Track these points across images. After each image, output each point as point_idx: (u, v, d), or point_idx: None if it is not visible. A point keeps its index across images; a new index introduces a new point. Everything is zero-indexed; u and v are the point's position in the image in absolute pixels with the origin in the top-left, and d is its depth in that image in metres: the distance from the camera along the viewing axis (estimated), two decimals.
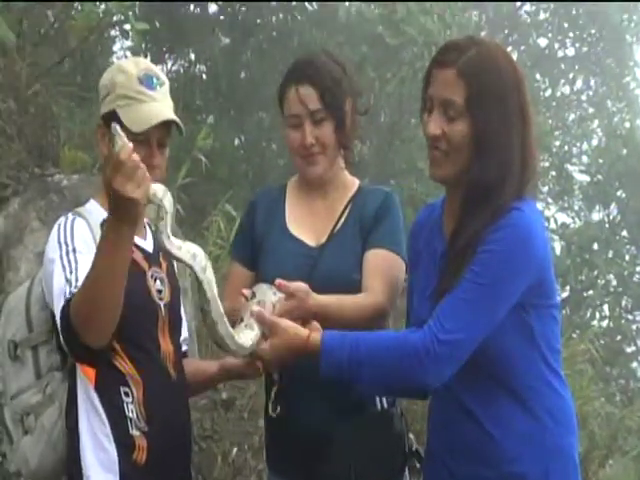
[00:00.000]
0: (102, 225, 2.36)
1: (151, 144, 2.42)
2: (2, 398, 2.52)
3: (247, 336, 2.32)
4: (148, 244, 2.55)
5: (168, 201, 2.19)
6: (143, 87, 2.42)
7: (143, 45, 9.62)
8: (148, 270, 2.48)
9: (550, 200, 11.40)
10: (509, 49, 11.49)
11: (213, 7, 9.27)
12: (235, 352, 2.34)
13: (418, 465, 2.53)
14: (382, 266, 2.55)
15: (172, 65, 9.76)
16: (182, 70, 9.49)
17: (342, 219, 2.62)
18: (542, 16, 11.54)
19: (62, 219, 2.43)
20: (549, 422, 2.23)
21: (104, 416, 2.35)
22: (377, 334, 2.26)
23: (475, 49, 2.20)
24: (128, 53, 9.62)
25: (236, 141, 9.54)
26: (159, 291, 2.49)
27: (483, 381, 2.21)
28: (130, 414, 2.36)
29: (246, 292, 2.40)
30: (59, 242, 2.36)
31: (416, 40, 7.61)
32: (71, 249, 2.33)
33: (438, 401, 2.35)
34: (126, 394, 2.37)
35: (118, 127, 2.10)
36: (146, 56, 9.77)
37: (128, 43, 9.75)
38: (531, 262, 2.15)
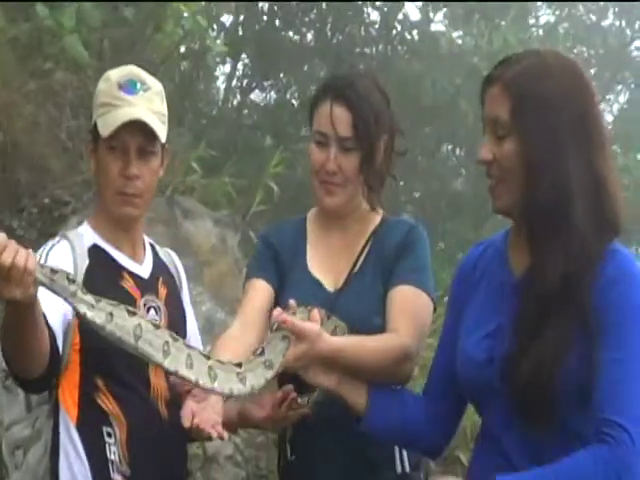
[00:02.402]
0: (89, 251, 2.28)
1: (128, 152, 2.24)
2: (1, 427, 2.38)
3: (259, 375, 2.06)
4: (144, 269, 2.37)
5: (59, 281, 1.94)
6: (121, 92, 2.26)
7: (239, 71, 9.65)
8: (140, 299, 2.30)
9: None
10: (619, 88, 11.09)
11: (309, 35, 9.23)
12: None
13: None
14: (409, 305, 2.28)
15: (267, 92, 9.74)
16: (275, 97, 9.44)
17: (362, 257, 2.38)
18: None
19: (49, 242, 2.30)
20: None
21: (84, 457, 2.19)
22: (561, 465, 1.89)
23: (527, 61, 1.97)
24: (222, 78, 9.66)
25: None
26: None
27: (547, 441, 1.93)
28: (112, 456, 2.19)
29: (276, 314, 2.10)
30: None
31: None
32: None
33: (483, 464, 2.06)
34: (108, 434, 2.20)
35: None
36: (242, 83, 9.79)
37: (226, 69, 9.82)
38: None
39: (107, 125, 2.23)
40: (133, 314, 1.97)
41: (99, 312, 1.94)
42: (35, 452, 2.25)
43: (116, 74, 2.31)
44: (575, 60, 2.08)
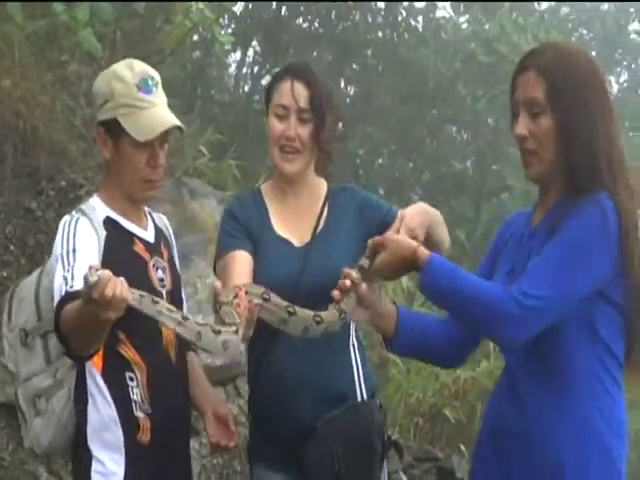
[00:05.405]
0: (104, 223, 2.54)
1: (154, 147, 2.54)
2: (15, 380, 2.68)
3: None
4: (149, 234, 2.67)
5: (146, 303, 2.25)
6: (141, 94, 2.51)
7: (249, 58, 9.97)
8: (150, 260, 2.60)
9: None
10: (618, 69, 11.35)
11: (316, 23, 9.52)
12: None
13: (398, 456, 2.69)
14: None
15: None
16: None
17: (322, 218, 2.76)
18: None
19: (67, 217, 2.55)
20: (598, 421, 2.27)
21: (111, 400, 2.49)
22: (475, 278, 2.33)
23: (553, 51, 2.35)
24: (234, 65, 10.00)
25: None
26: (161, 280, 2.61)
27: (541, 367, 2.30)
28: (135, 397, 2.50)
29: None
30: (62, 240, 2.48)
31: (509, 59, 7.61)
32: (71, 248, 2.45)
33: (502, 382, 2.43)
34: (131, 379, 2.51)
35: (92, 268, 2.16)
36: (252, 69, 10.13)
37: (237, 57, 10.14)
38: (612, 245, 2.22)
39: (143, 131, 2.49)
40: (218, 332, 2.25)
41: (188, 331, 2.27)
42: (59, 399, 2.56)
43: (129, 74, 2.51)
44: (584, 48, 2.52)
